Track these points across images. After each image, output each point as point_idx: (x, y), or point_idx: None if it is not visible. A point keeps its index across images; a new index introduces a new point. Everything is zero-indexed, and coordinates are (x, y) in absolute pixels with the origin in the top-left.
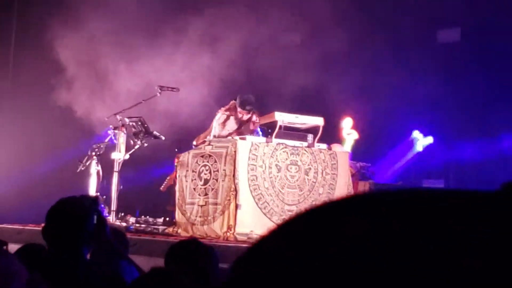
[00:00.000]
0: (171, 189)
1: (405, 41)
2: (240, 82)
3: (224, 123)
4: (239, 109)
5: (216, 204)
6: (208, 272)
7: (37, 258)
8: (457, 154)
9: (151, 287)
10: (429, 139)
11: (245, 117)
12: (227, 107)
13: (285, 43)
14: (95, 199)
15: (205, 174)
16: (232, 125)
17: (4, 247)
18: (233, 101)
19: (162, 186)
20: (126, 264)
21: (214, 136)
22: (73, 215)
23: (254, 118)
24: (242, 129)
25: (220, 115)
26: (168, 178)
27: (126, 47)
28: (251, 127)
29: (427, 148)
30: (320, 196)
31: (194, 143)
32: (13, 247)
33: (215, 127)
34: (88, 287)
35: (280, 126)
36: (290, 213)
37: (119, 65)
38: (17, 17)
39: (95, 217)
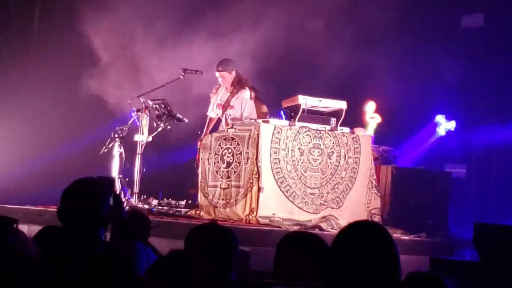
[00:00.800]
0: (193, 171)
1: (429, 26)
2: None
3: (215, 94)
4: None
5: (238, 187)
6: (227, 256)
7: (54, 239)
8: (480, 139)
9: (169, 269)
10: (452, 124)
11: (223, 79)
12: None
13: (309, 27)
14: (111, 180)
15: (228, 157)
16: (223, 95)
17: (14, 225)
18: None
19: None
20: (141, 246)
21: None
22: (88, 196)
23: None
24: (231, 99)
25: (214, 89)
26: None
27: (155, 31)
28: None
29: (450, 132)
30: (342, 179)
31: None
32: (35, 229)
33: (211, 104)
34: (102, 267)
35: (303, 110)
36: (312, 196)
37: (147, 50)
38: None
39: (111, 198)
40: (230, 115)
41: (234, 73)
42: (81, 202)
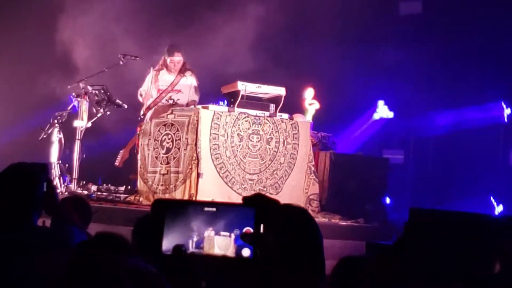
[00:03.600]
0: (133, 157)
1: (367, 13)
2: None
3: (155, 80)
4: (169, 59)
5: (178, 172)
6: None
7: None
8: (418, 126)
9: (92, 252)
10: (390, 114)
11: (177, 64)
12: (158, 64)
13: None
14: (45, 166)
15: (167, 142)
16: (164, 80)
17: None
18: (163, 57)
19: (117, 161)
20: (77, 232)
21: (144, 99)
22: (22, 181)
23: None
24: (177, 83)
25: (152, 72)
26: (121, 151)
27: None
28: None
29: (388, 119)
30: (281, 165)
31: (142, 112)
32: None
33: (147, 88)
34: (35, 253)
35: (243, 96)
36: (251, 182)
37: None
38: None
39: (45, 184)
40: (178, 99)
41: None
42: (13, 186)
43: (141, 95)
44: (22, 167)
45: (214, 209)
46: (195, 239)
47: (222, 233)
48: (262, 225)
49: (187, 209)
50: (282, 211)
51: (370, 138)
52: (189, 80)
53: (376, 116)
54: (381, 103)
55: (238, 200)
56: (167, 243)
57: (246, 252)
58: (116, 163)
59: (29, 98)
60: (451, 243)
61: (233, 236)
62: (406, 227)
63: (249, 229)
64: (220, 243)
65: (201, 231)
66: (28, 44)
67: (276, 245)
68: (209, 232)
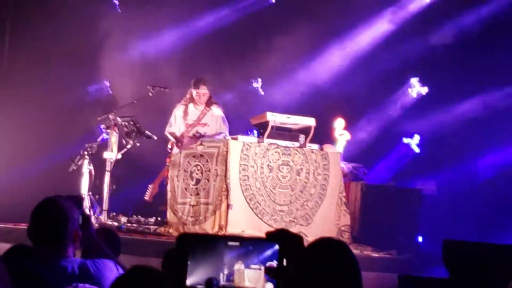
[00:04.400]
0: (163, 189)
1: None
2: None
3: (185, 114)
4: (195, 92)
5: (207, 204)
6: None
7: (23, 258)
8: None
9: (130, 285)
10: (425, 89)
11: (203, 97)
12: (184, 98)
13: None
14: (80, 199)
15: (196, 174)
16: (193, 115)
17: None
18: (189, 90)
19: (147, 195)
20: (111, 263)
21: (170, 133)
22: (57, 214)
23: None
24: (203, 117)
25: (179, 107)
26: (150, 186)
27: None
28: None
29: (422, 148)
30: (311, 196)
31: (169, 146)
32: (3, 247)
33: (174, 121)
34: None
35: (272, 127)
36: (281, 213)
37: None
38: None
39: (80, 216)
40: (205, 132)
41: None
42: (49, 220)
43: (169, 132)
44: (57, 201)
45: (237, 243)
46: (225, 272)
47: (253, 266)
48: (285, 260)
49: (212, 243)
50: (319, 245)
51: (402, 168)
52: (215, 113)
53: (414, 93)
54: (416, 138)
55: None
56: (197, 277)
57: (269, 286)
58: (146, 197)
59: (59, 130)
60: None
61: (263, 269)
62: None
63: (272, 264)
64: (251, 276)
65: (230, 265)
66: (59, 78)
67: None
68: (239, 266)
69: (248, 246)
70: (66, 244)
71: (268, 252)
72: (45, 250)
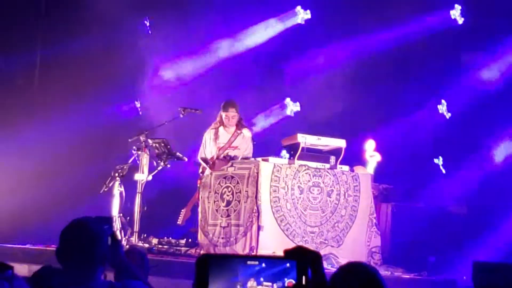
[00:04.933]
0: (196, 213)
1: (430, 61)
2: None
3: (216, 137)
4: (224, 114)
5: (238, 225)
6: None
7: (52, 279)
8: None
9: None
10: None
11: (232, 120)
12: (215, 121)
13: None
14: (109, 220)
15: (227, 195)
16: (223, 137)
17: (10, 272)
18: (219, 113)
19: (179, 220)
20: (141, 285)
21: (202, 158)
22: (86, 236)
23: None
24: (234, 140)
25: (209, 131)
26: (183, 210)
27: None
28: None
29: (451, 172)
30: (342, 218)
31: (200, 170)
32: (35, 268)
33: (206, 145)
34: None
35: (303, 148)
36: (312, 235)
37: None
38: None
39: (109, 238)
40: (235, 155)
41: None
42: (78, 242)
43: (201, 158)
44: (86, 222)
45: (256, 262)
46: None
47: (265, 283)
48: (304, 277)
49: (231, 262)
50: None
51: (432, 188)
52: (246, 137)
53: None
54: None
55: None
56: None
57: None
58: (179, 222)
59: (90, 150)
60: None
61: (275, 286)
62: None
63: (291, 282)
64: None
65: (244, 282)
66: (90, 98)
67: None
68: (251, 283)
69: (267, 264)
70: (94, 266)
71: (280, 269)
72: (74, 272)
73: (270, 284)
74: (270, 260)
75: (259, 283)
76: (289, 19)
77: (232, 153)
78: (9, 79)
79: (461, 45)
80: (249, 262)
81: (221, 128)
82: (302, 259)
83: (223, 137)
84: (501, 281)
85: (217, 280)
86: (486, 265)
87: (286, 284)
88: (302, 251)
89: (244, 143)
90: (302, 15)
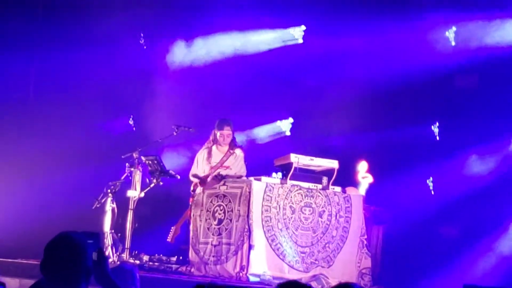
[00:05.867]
0: (185, 231)
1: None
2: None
3: (209, 156)
4: (219, 133)
5: (229, 244)
6: None
7: None
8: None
9: None
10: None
11: (227, 138)
12: (208, 140)
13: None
14: (95, 235)
15: (219, 214)
16: (216, 157)
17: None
18: (213, 132)
19: (169, 237)
20: None
21: (194, 175)
22: (69, 249)
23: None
24: (226, 160)
25: (202, 150)
26: (172, 228)
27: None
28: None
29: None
30: (333, 239)
31: (192, 188)
32: (27, 283)
33: (198, 164)
34: None
35: (295, 168)
36: (303, 255)
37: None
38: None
39: (96, 253)
40: (227, 175)
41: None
42: (62, 255)
43: (192, 175)
44: (70, 237)
45: None
46: None
47: None
48: None
49: None
50: None
51: (423, 213)
52: (238, 158)
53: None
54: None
55: (290, 272)
56: None
57: None
58: (168, 239)
59: (83, 165)
60: None
61: None
62: None
63: None
64: None
65: None
66: (83, 112)
67: None
68: None
69: None
70: (78, 280)
71: None
72: (57, 286)
73: None
74: None
75: None
76: (288, 39)
77: (223, 172)
78: (2, 90)
79: None
80: None
81: (214, 147)
82: None
83: (216, 157)
84: None
85: None
86: None
87: None
88: (296, 286)
89: (236, 163)
90: (299, 33)
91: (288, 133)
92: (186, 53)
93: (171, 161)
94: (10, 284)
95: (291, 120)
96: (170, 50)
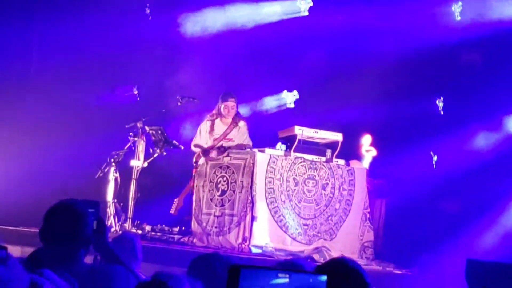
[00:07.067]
0: (188, 203)
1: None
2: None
3: (211, 129)
4: (223, 105)
5: (232, 215)
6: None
7: (41, 261)
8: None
9: None
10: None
11: (231, 110)
12: (211, 113)
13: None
14: (95, 204)
15: (222, 185)
16: (219, 129)
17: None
18: (217, 105)
19: (172, 209)
20: (122, 270)
21: (195, 145)
22: (69, 217)
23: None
24: (229, 132)
25: (205, 122)
26: (175, 200)
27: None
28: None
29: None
30: (336, 211)
31: (194, 160)
32: (28, 250)
33: (200, 135)
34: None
35: (299, 140)
36: (305, 227)
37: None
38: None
39: (95, 222)
40: (230, 147)
41: None
42: (62, 222)
43: (195, 145)
44: (71, 204)
45: (287, 275)
46: None
47: None
48: None
49: (263, 274)
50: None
51: (427, 187)
52: (242, 130)
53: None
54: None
55: (292, 244)
56: None
57: None
58: (171, 211)
59: (86, 134)
60: None
61: None
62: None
63: None
64: None
65: None
66: (87, 81)
67: None
68: None
69: (297, 278)
70: (77, 248)
71: (313, 283)
72: (56, 253)
73: None
74: (301, 274)
75: None
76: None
77: (226, 144)
78: (5, 58)
79: None
80: (280, 275)
81: (217, 120)
82: (333, 276)
83: (219, 129)
84: (495, 280)
85: None
86: (480, 263)
87: None
88: (335, 268)
89: (239, 136)
90: (305, 5)
91: (292, 106)
92: (192, 25)
93: (175, 131)
94: (12, 251)
95: (295, 93)
96: (176, 21)
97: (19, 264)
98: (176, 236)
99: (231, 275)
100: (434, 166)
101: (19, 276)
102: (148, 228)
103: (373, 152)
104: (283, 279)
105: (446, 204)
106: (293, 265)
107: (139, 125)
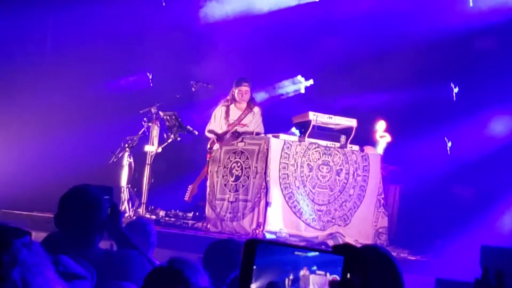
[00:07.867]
0: (202, 190)
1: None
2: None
3: (226, 115)
4: (237, 90)
5: (246, 200)
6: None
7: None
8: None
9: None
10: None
11: (245, 95)
12: (225, 98)
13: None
14: (110, 189)
15: (236, 170)
16: (233, 115)
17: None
18: (231, 90)
19: (186, 196)
20: (136, 255)
21: (210, 131)
22: (84, 202)
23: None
24: (244, 117)
25: (219, 108)
26: (190, 187)
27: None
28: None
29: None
30: (350, 197)
31: (208, 145)
32: (42, 236)
33: (214, 120)
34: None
35: (314, 126)
36: (319, 213)
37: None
38: None
39: (109, 207)
40: (243, 132)
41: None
42: (76, 208)
43: (209, 131)
44: (86, 190)
45: (304, 253)
46: (291, 277)
47: (318, 272)
48: (348, 274)
49: (280, 250)
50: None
51: (441, 173)
52: (256, 116)
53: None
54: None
55: (307, 230)
56: (262, 282)
57: None
58: (186, 198)
59: (100, 120)
60: None
61: (328, 276)
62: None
63: (335, 277)
64: (316, 282)
65: (296, 271)
66: (101, 67)
67: None
68: (304, 272)
69: (313, 255)
70: (91, 233)
71: (331, 260)
72: (71, 238)
73: (323, 273)
74: (321, 253)
75: (312, 272)
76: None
77: (240, 130)
78: (20, 42)
79: None
80: (296, 253)
81: (232, 106)
82: (349, 257)
83: (234, 115)
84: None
85: (265, 267)
86: (494, 250)
87: (331, 279)
88: (351, 249)
89: (254, 121)
90: None
91: (302, 91)
92: (208, 10)
93: (189, 117)
94: None
95: (311, 81)
96: (192, 6)
97: (42, 249)
98: (190, 222)
99: (247, 250)
100: (449, 152)
101: (42, 261)
102: (162, 213)
103: (387, 138)
104: (302, 254)
105: (460, 190)
106: None
107: (153, 110)
